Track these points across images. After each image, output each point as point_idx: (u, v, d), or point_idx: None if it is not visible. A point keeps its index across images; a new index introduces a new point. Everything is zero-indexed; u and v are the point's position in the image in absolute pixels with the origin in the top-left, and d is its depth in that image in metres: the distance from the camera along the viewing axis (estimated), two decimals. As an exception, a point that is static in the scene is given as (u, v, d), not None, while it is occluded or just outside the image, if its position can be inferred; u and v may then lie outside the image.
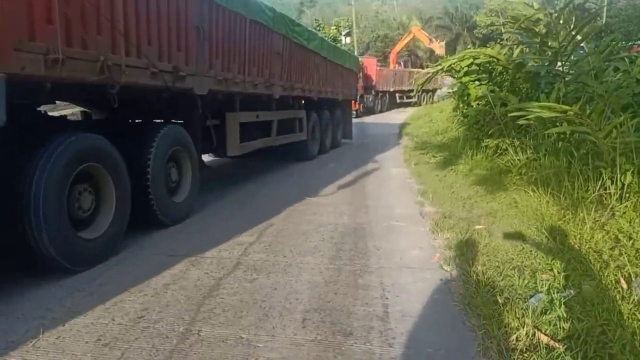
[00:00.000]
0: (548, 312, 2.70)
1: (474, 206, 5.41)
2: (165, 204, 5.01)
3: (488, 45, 19.82)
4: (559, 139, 5.68)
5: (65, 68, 3.54)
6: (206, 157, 7.82)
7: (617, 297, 2.86)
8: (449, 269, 3.70)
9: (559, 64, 6.23)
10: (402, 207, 5.93)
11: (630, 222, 3.81)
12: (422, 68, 35.44)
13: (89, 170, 4.01)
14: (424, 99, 32.82)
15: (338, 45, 28.40)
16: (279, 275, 3.69)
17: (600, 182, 4.36)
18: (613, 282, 3.07)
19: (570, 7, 7.28)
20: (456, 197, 5.95)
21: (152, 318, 2.97)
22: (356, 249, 4.31)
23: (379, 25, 56.19)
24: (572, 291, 2.94)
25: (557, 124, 4.95)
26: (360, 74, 22.98)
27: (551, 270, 3.31)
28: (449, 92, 13.50)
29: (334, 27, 47.84)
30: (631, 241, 3.55)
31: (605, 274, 3.17)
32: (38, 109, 4.55)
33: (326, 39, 14.17)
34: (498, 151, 7.12)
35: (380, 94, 28.22)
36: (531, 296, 2.93)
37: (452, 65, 8.42)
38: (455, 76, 8.72)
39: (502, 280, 3.26)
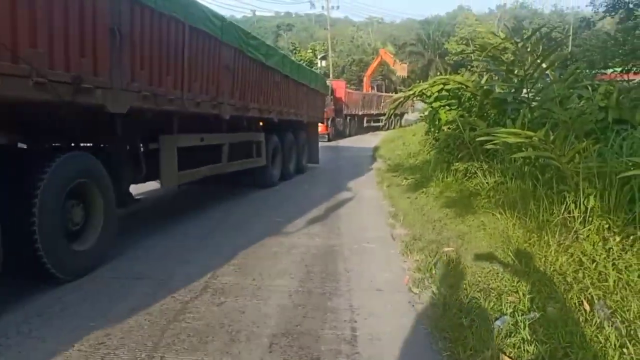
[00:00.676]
0: (513, 335, 2.73)
1: (443, 228, 5.47)
2: (60, 254, 3.87)
3: (459, 71, 20.41)
4: (524, 163, 5.81)
5: None
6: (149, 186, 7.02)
7: (580, 319, 2.91)
8: (417, 292, 3.71)
9: (525, 91, 6.42)
10: (373, 229, 5.95)
11: (593, 245, 3.89)
12: (396, 92, 36.00)
13: None
14: (391, 123, 32.92)
15: (314, 68, 28.72)
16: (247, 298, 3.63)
17: (564, 206, 4.46)
18: (576, 304, 3.12)
19: (536, 36, 7.56)
20: (427, 219, 6.00)
21: (114, 344, 2.88)
22: (327, 271, 4.30)
23: (354, 50, 57.23)
24: (536, 313, 2.98)
25: (523, 149, 5.08)
26: (332, 97, 23.16)
27: (517, 292, 3.35)
28: (420, 116, 13.75)
29: (310, 51, 48.52)
30: (594, 264, 3.62)
31: (569, 296, 3.22)
32: None
33: (294, 59, 13.80)
34: (467, 174, 7.24)
35: (349, 118, 27.69)
36: (497, 318, 2.96)
37: (423, 91, 8.60)
38: (427, 101, 8.90)
39: (469, 302, 3.29)
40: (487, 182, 6.34)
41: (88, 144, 5.17)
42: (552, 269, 3.68)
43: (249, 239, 5.38)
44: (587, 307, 3.05)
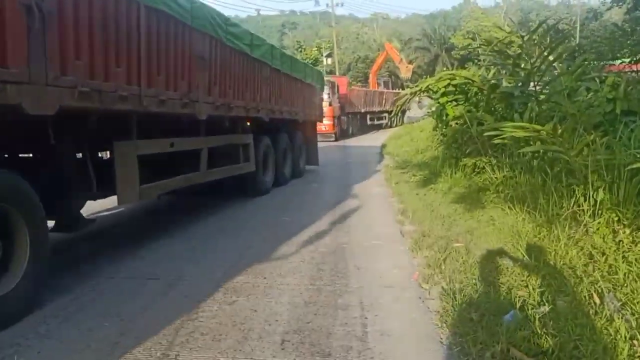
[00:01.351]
0: (523, 328, 2.74)
1: (452, 224, 5.48)
2: None
3: (466, 65, 20.32)
4: (533, 158, 5.80)
5: None
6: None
7: (590, 312, 2.92)
8: (427, 287, 3.73)
9: (532, 84, 6.41)
10: (382, 226, 5.98)
11: (603, 238, 3.89)
12: (402, 88, 35.81)
13: None
14: (394, 120, 32.10)
15: (320, 66, 28.55)
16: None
17: (573, 199, 4.46)
18: (586, 297, 3.13)
19: (543, 28, 7.53)
20: (435, 215, 6.01)
21: (129, 344, 2.94)
22: (337, 269, 4.33)
23: (360, 46, 57.21)
24: (546, 307, 2.99)
25: (531, 142, 5.08)
26: (337, 95, 22.74)
27: (526, 286, 3.36)
28: (428, 112, 13.72)
29: (316, 49, 48.59)
30: (604, 257, 3.63)
31: (579, 289, 3.23)
32: None
33: (299, 57, 12.94)
34: (476, 169, 7.24)
35: (351, 115, 26.39)
36: (506, 312, 2.97)
37: (430, 86, 8.60)
38: (433, 97, 8.90)
39: (479, 297, 3.30)
40: (495, 177, 6.35)
41: (22, 155, 4.41)
42: (562, 262, 3.69)
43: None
44: (597, 300, 3.05)
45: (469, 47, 35.66)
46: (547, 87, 6.68)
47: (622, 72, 7.97)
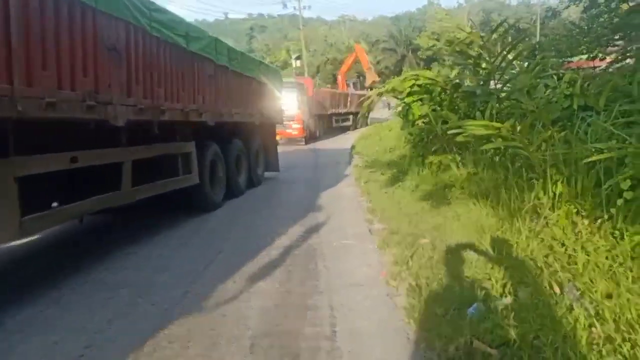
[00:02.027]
0: (486, 320, 2.81)
1: (420, 221, 5.56)
2: None
3: (431, 65, 20.62)
4: (495, 154, 5.94)
5: None
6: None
7: (551, 302, 3.00)
8: (395, 284, 3.78)
9: (493, 82, 6.56)
10: (352, 225, 6.03)
11: (562, 230, 4.01)
12: (371, 89, 35.89)
13: None
14: (359, 122, 32.01)
15: (289, 69, 28.30)
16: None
17: (534, 193, 4.58)
18: (547, 287, 3.22)
19: (504, 27, 7.71)
20: (403, 213, 6.09)
21: (94, 356, 2.88)
22: (307, 270, 4.34)
23: (328, 49, 57.45)
24: (509, 298, 3.07)
25: (492, 139, 5.19)
26: (305, 97, 22.45)
27: (489, 279, 3.44)
28: (394, 112, 13.86)
29: (285, 51, 48.54)
30: (564, 248, 3.74)
31: (540, 280, 3.32)
32: None
33: (268, 61, 11.58)
34: (441, 167, 7.36)
35: (317, 118, 25.29)
36: (470, 305, 3.03)
37: (396, 87, 8.70)
38: (399, 97, 9.01)
39: (444, 291, 3.36)
40: (460, 174, 6.46)
41: None
42: (523, 254, 3.78)
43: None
44: (557, 290, 3.15)
45: (434, 47, 36.20)
46: (507, 85, 6.84)
47: (580, 69, 8.22)
